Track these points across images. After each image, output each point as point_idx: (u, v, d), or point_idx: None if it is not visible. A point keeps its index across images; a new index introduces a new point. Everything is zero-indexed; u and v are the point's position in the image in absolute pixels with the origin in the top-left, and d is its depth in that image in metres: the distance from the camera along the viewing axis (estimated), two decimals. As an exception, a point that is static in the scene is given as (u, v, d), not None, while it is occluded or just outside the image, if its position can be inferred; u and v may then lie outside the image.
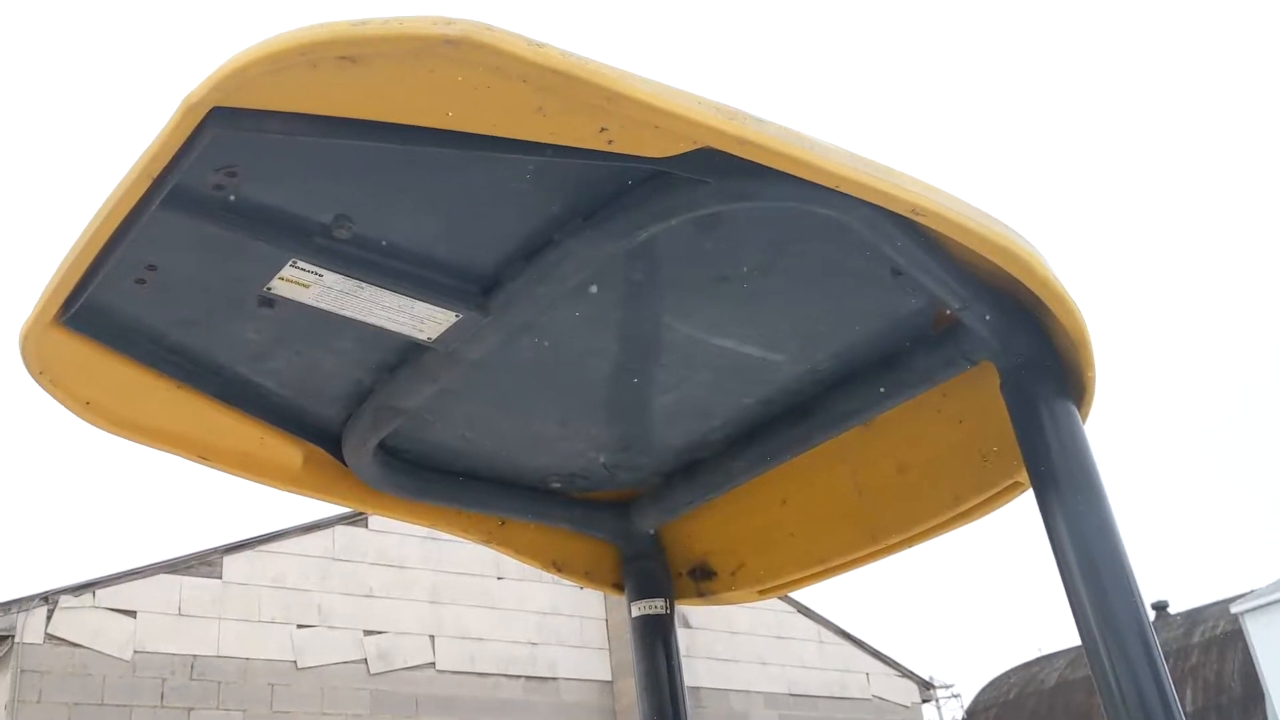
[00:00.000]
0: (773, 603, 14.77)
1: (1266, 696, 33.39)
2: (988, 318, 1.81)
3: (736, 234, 1.70)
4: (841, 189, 1.47)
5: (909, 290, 1.84)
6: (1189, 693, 25.17)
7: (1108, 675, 1.75)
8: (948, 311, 1.86)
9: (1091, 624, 1.78)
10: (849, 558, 2.40)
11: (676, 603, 2.65)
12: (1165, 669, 1.79)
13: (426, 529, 11.09)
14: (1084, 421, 1.90)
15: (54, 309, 1.65)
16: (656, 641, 2.58)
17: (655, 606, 2.57)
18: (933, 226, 1.60)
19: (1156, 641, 1.80)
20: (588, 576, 2.64)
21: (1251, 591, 36.05)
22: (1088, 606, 1.79)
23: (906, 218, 1.57)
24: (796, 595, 15.29)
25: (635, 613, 2.56)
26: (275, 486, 2.08)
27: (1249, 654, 34.05)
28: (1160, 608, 28.61)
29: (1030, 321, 1.84)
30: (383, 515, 2.27)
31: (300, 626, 11.01)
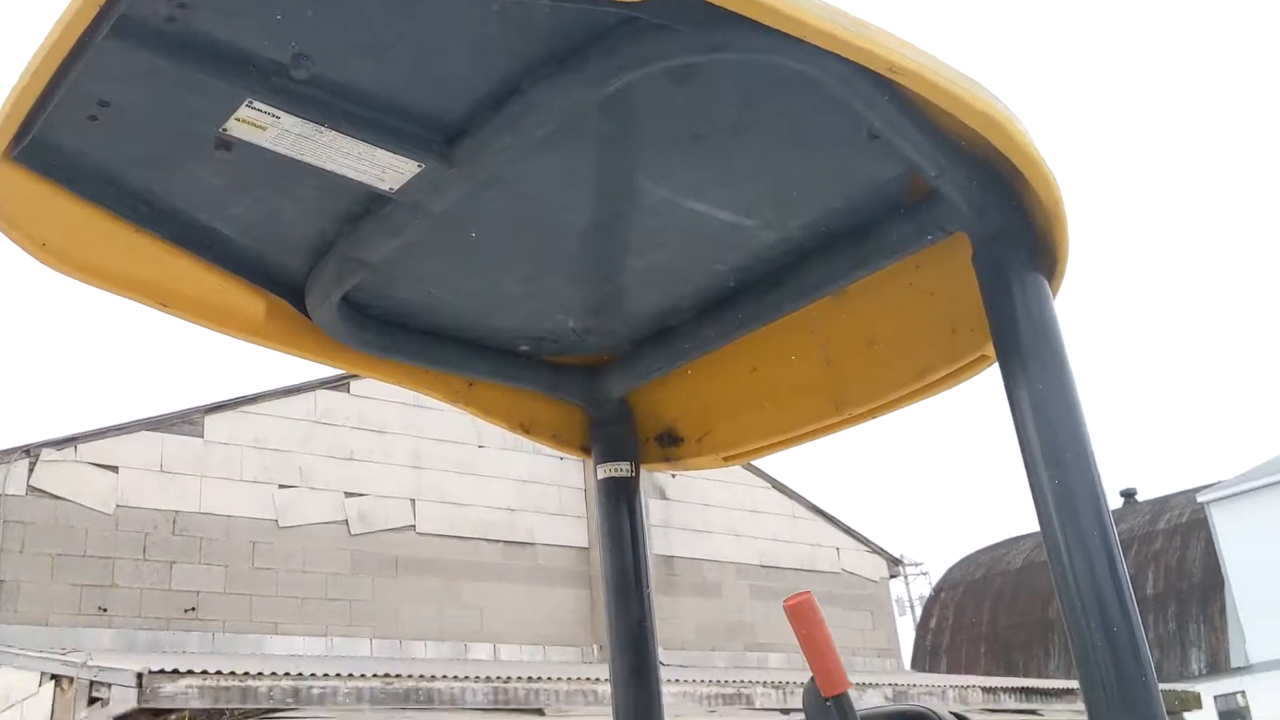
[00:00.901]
0: (747, 477, 15.00)
1: (1226, 583, 34.38)
2: (963, 187, 1.78)
3: (710, 88, 1.66)
4: (816, 42, 1.42)
5: (885, 156, 1.81)
6: (1151, 576, 25.94)
7: (1061, 552, 1.77)
8: (923, 180, 1.83)
9: (1048, 498, 1.80)
10: (815, 426, 2.41)
11: (643, 467, 2.67)
12: (1118, 547, 1.81)
13: (408, 395, 11.05)
14: (1055, 296, 1.89)
15: (3, 143, 1.60)
16: (621, 504, 2.61)
17: (621, 470, 2.59)
18: (910, 87, 1.56)
19: (1111, 521, 1.82)
20: (556, 439, 2.65)
21: (1219, 482, 36.81)
22: (1045, 481, 1.81)
23: (884, 77, 1.53)
24: (771, 471, 15.53)
25: (601, 475, 2.58)
26: (237, 336, 2.06)
27: (1211, 542, 34.94)
28: (1128, 495, 29.21)
29: (1006, 192, 1.81)
30: (347, 370, 2.26)
31: (282, 487, 11.15)
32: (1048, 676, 22.10)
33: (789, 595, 1.39)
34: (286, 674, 7.24)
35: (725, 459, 2.66)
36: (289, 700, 7.16)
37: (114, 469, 10.29)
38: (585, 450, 2.67)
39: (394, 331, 2.22)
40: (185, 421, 10.84)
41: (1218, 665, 33.36)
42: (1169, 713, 13.29)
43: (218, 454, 10.88)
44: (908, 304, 2.14)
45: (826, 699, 1.45)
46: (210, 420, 10.96)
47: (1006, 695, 11.71)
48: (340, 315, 2.08)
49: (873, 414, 2.32)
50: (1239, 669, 33.16)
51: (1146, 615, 27.00)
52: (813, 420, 2.40)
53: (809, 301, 2.17)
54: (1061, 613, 1.80)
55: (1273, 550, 32.73)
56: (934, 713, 1.96)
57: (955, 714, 1.98)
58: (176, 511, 10.46)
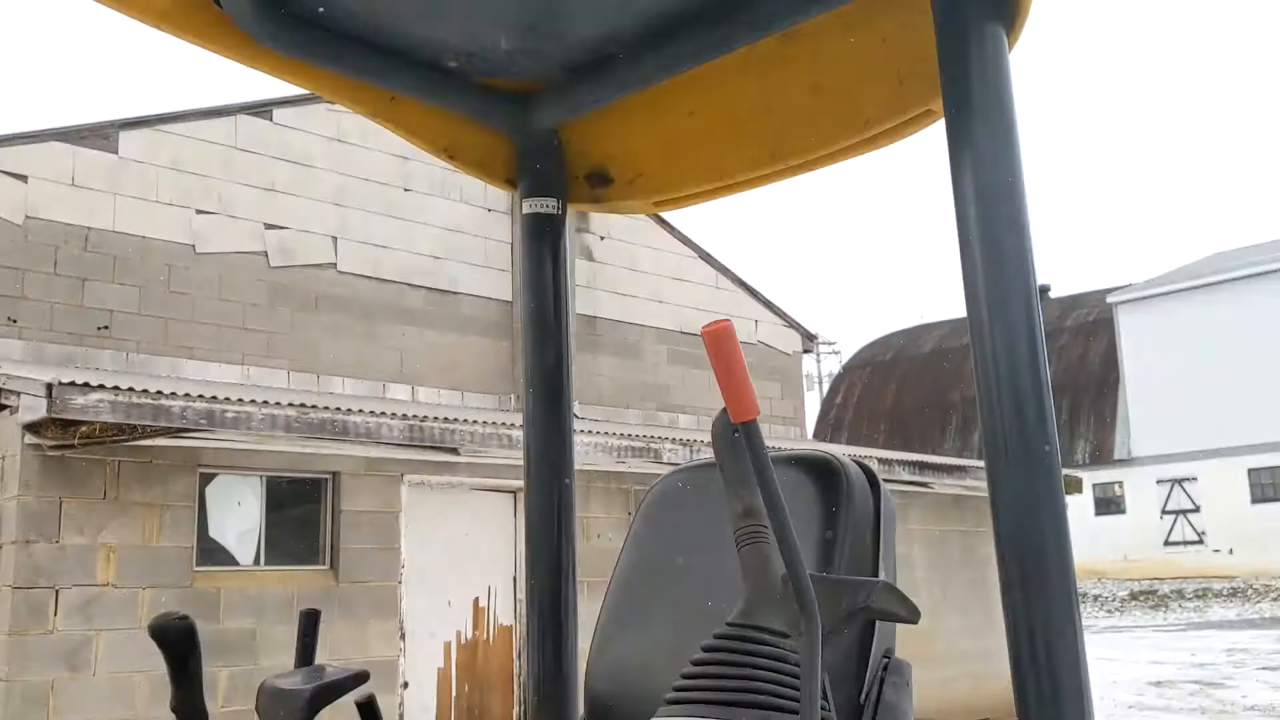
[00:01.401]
0: (674, 245, 15.00)
1: (1121, 382, 35.94)
2: None
3: None
4: None
5: None
6: (1052, 369, 26.90)
7: (984, 322, 1.77)
8: None
9: (978, 263, 1.78)
10: (751, 175, 2.35)
11: (570, 207, 2.60)
12: (1040, 317, 1.81)
13: (333, 129, 10.67)
14: (1011, 50, 1.81)
15: None
16: (545, 243, 2.56)
17: (547, 206, 2.52)
18: None
19: (1037, 295, 1.81)
20: (480, 167, 2.56)
21: (1129, 285, 37.87)
22: (977, 245, 1.79)
23: None
24: (698, 240, 15.52)
25: (526, 209, 2.51)
26: (144, 21, 1.90)
27: (1114, 342, 36.28)
28: (1042, 290, 29.87)
29: None
30: (261, 71, 2.11)
31: (200, 212, 10.86)
32: (943, 454, 23.20)
33: (709, 324, 1.36)
34: (201, 396, 7.25)
35: (656, 204, 2.60)
36: (202, 422, 7.20)
37: (23, 178, 9.90)
38: (511, 183, 2.59)
39: (313, 31, 2.07)
40: (98, 135, 10.39)
41: (1101, 457, 35.31)
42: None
43: (133, 172, 10.50)
44: (857, 50, 2.06)
45: (735, 425, 1.44)
46: (125, 136, 10.52)
47: (901, 467, 12.26)
48: (255, 7, 1.94)
49: (811, 165, 2.26)
50: (1120, 461, 35.16)
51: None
52: (750, 169, 2.34)
53: (758, 37, 2.06)
54: (976, 378, 1.82)
55: (1169, 356, 34.15)
56: (834, 457, 2.00)
57: (856, 460, 2.02)
58: (89, 228, 10.16)
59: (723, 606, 2.04)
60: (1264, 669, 17.63)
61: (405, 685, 8.84)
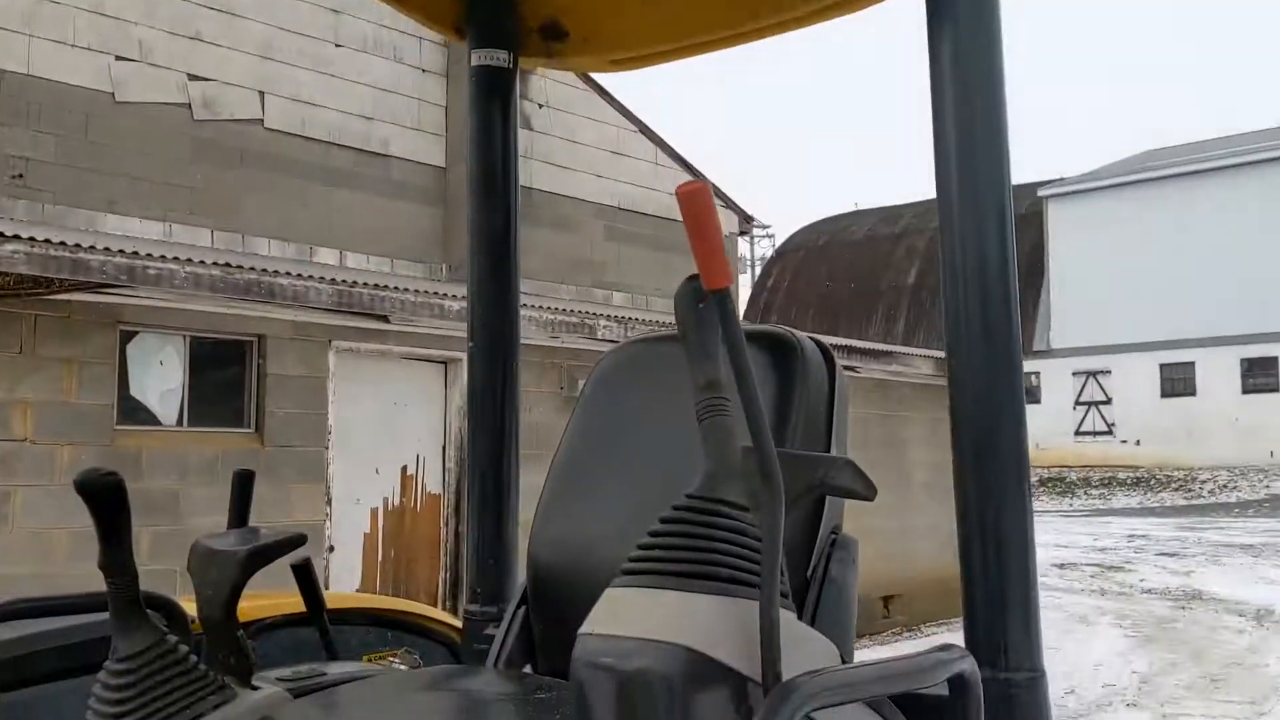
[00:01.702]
0: (616, 119, 14.72)
1: (1047, 273, 36.57)
2: None
3: None
4: None
5: None
6: (980, 262, 27.12)
7: (953, 203, 1.73)
8: None
9: (951, 142, 1.74)
10: (714, 37, 2.25)
11: (522, 62, 2.48)
12: (1010, 199, 1.77)
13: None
14: None
15: None
16: (495, 99, 2.44)
17: (498, 59, 2.39)
18: None
19: (1009, 171, 1.76)
20: (425, 12, 2.41)
21: (1060, 179, 38.23)
22: (951, 122, 1.74)
23: None
24: (641, 115, 15.25)
25: (475, 61, 2.39)
26: None
27: (1043, 234, 36.77)
28: (977, 182, 30.00)
29: None
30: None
31: (119, 59, 10.35)
32: (869, 340, 23.52)
33: (682, 183, 1.29)
34: (121, 251, 7.00)
35: (613, 63, 2.49)
36: (123, 277, 6.97)
37: (-73, 14, 9.32)
38: (458, 32, 2.45)
39: None
40: (9, -29, 9.78)
41: (1021, 348, 36.10)
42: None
43: (48, 13, 9.94)
44: None
45: (700, 295, 1.38)
46: (38, -27, 9.92)
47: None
48: None
49: (777, 29, 2.17)
50: (1039, 353, 35.99)
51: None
52: (713, 29, 2.23)
53: None
54: (942, 262, 1.78)
55: (1095, 251, 34.75)
56: (791, 334, 1.96)
57: (812, 338, 1.98)
58: (2, 70, 9.64)
59: (672, 481, 2.01)
60: (1161, 554, 18.46)
61: (331, 549, 8.86)
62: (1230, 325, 32.58)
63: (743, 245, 16.94)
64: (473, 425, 2.48)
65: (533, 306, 9.89)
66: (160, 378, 8.23)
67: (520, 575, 2.46)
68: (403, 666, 2.22)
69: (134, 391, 8.09)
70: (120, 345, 7.94)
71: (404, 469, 9.71)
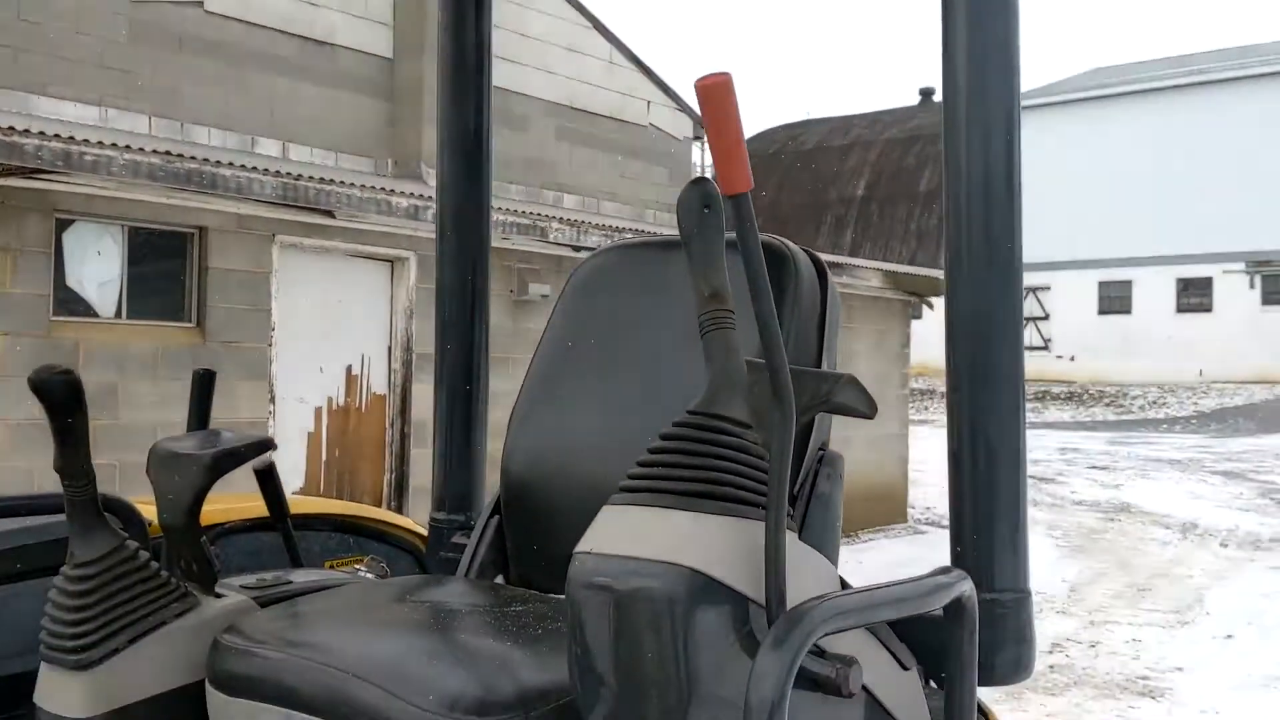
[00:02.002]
0: (570, 14, 14.34)
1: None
2: None
3: None
4: None
5: None
6: (927, 174, 27.21)
7: (960, 112, 1.66)
8: None
9: (959, 53, 1.66)
10: None
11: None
12: (1019, 110, 1.71)
13: None
14: None
15: None
16: None
17: None
18: None
19: (1019, 89, 1.70)
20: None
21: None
22: (963, 35, 1.66)
23: None
24: (596, 11, 14.87)
25: None
26: None
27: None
28: (926, 94, 29.91)
29: None
30: None
31: (49, -69, 9.82)
32: (816, 250, 23.52)
33: (705, 76, 1.20)
34: (57, 136, 6.71)
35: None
36: (59, 163, 6.69)
37: None
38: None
39: None
40: None
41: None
42: (917, 294, 14.32)
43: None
44: None
45: (706, 200, 1.31)
46: None
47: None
48: None
49: None
50: (981, 268, 36.29)
51: (915, 208, 28.61)
52: None
53: None
54: (946, 173, 1.71)
55: (1040, 167, 34.91)
56: (784, 244, 1.90)
57: (805, 250, 1.92)
58: (-79, -62, 9.11)
59: (654, 391, 1.95)
60: (1092, 468, 18.93)
61: (274, 448, 8.74)
62: (1167, 246, 33.09)
63: (696, 151, 16.73)
64: (440, 329, 2.40)
65: (483, 206, 9.71)
66: (98, 268, 7.98)
67: (488, 483, 2.41)
68: (369, 575, 2.17)
69: (70, 282, 7.84)
70: (56, 234, 7.67)
71: (349, 369, 9.58)
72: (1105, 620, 9.04)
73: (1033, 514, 14.10)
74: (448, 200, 2.40)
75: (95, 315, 7.99)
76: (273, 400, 8.81)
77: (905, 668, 1.49)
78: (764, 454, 1.32)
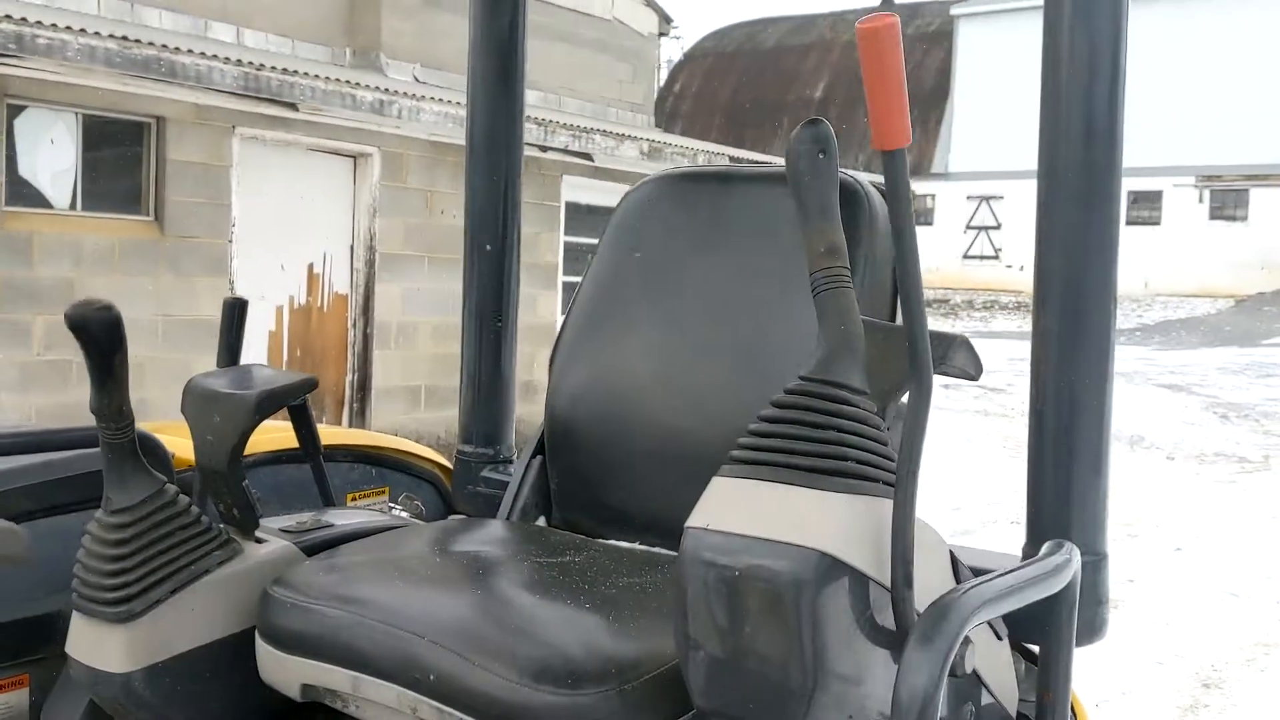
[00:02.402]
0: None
1: (951, 95, 36.56)
2: None
3: None
4: None
5: None
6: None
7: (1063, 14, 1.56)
8: None
9: None
10: None
11: None
12: (1125, 38, 1.61)
13: None
14: None
15: None
16: None
17: None
18: None
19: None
20: None
21: (974, -1, 37.78)
22: None
23: None
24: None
25: None
26: None
27: (951, 54, 36.56)
28: (891, -4, 29.47)
29: None
30: None
31: None
32: (773, 155, 23.32)
33: (867, 17, 1.09)
34: (9, 17, 6.35)
35: None
36: (11, 47, 6.35)
37: None
38: None
39: None
40: None
41: (920, 169, 36.34)
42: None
43: None
44: None
45: (821, 145, 1.21)
46: None
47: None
48: None
49: None
50: (936, 175, 36.35)
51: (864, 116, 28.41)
52: None
53: None
54: (1044, 89, 1.62)
55: (1002, 74, 34.74)
56: (856, 181, 1.80)
57: (876, 186, 1.83)
58: None
59: (710, 331, 1.87)
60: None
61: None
62: (1199, 154, 33.14)
63: (661, 48, 16.35)
64: (470, 249, 2.28)
65: (449, 101, 9.43)
66: (51, 157, 7.65)
67: (514, 404, 2.32)
68: (404, 513, 2.10)
69: (23, 171, 7.52)
70: (7, 120, 7.32)
71: (310, 267, 9.36)
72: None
73: (984, 424, 14.33)
74: (479, 110, 2.26)
75: (49, 206, 7.70)
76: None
77: (999, 637, 1.46)
78: (881, 424, 1.25)
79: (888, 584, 1.18)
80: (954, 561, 1.37)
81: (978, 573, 1.37)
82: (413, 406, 9.79)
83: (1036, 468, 1.63)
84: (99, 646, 1.57)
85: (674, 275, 1.91)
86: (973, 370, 1.42)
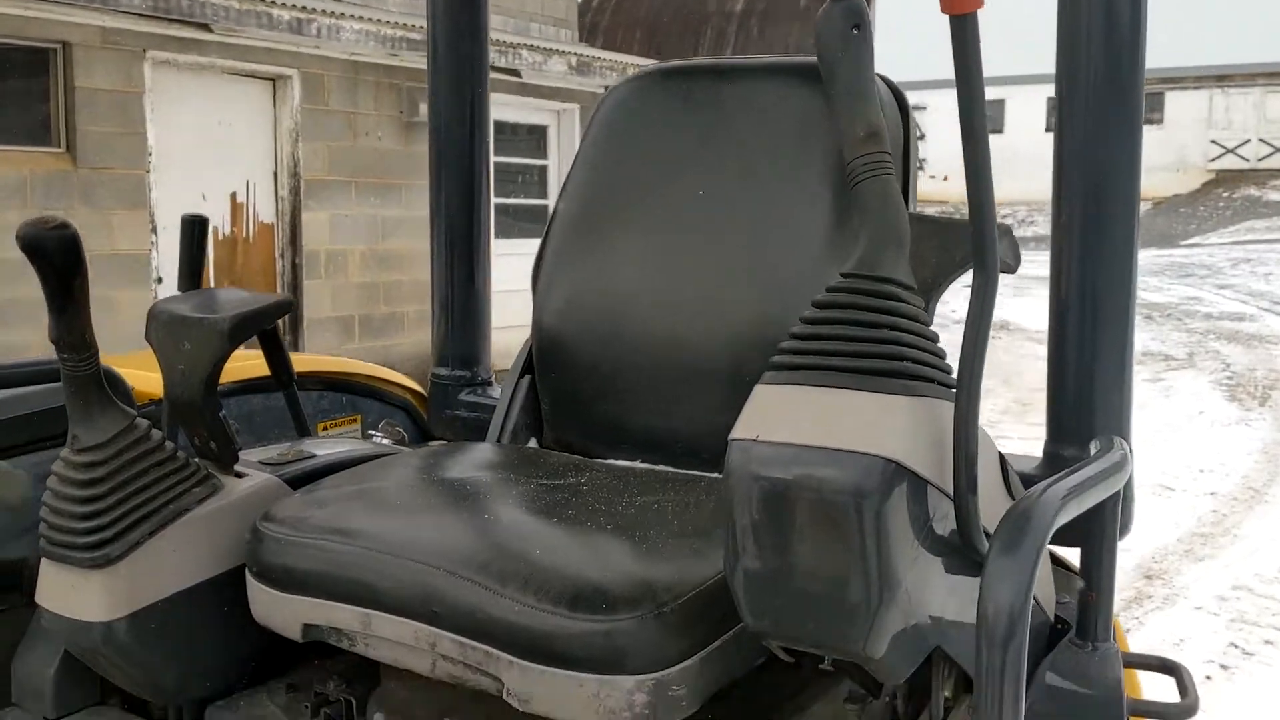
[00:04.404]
0: None
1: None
2: None
3: None
4: None
5: None
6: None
7: None
8: None
9: None
10: None
11: None
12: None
13: None
14: None
15: None
16: None
17: None
18: None
19: None
20: None
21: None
22: None
23: None
24: None
25: None
26: None
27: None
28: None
29: None
30: None
31: None
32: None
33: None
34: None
35: None
36: (-101, -33, 5.93)
37: None
38: None
39: None
40: None
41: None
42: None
43: None
44: None
45: (856, 19, 1.12)
46: None
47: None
48: None
49: None
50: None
51: (796, 25, 28.18)
52: None
53: None
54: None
55: (919, -17, 34.55)
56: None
57: (880, 76, 1.73)
58: None
59: (705, 234, 1.77)
60: (965, 286, 19.44)
61: (160, 281, 8.27)
62: (1039, 65, 33.41)
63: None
64: (436, 165, 2.16)
65: (368, 19, 9.09)
66: (-51, 86, 7.23)
67: (489, 325, 2.22)
68: (386, 440, 1.99)
69: (-80, 103, 7.11)
70: (-102, 48, 6.89)
71: (233, 196, 9.03)
72: (997, 436, 9.37)
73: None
74: (441, 27, 2.12)
75: (-49, 140, 7.29)
76: (154, 230, 8.27)
77: None
78: (930, 321, 1.17)
79: (949, 491, 1.12)
80: (1003, 464, 1.31)
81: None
82: (346, 338, 9.56)
83: (1059, 365, 1.57)
84: (74, 595, 1.45)
85: (668, 177, 1.80)
86: (1012, 261, 1.35)
